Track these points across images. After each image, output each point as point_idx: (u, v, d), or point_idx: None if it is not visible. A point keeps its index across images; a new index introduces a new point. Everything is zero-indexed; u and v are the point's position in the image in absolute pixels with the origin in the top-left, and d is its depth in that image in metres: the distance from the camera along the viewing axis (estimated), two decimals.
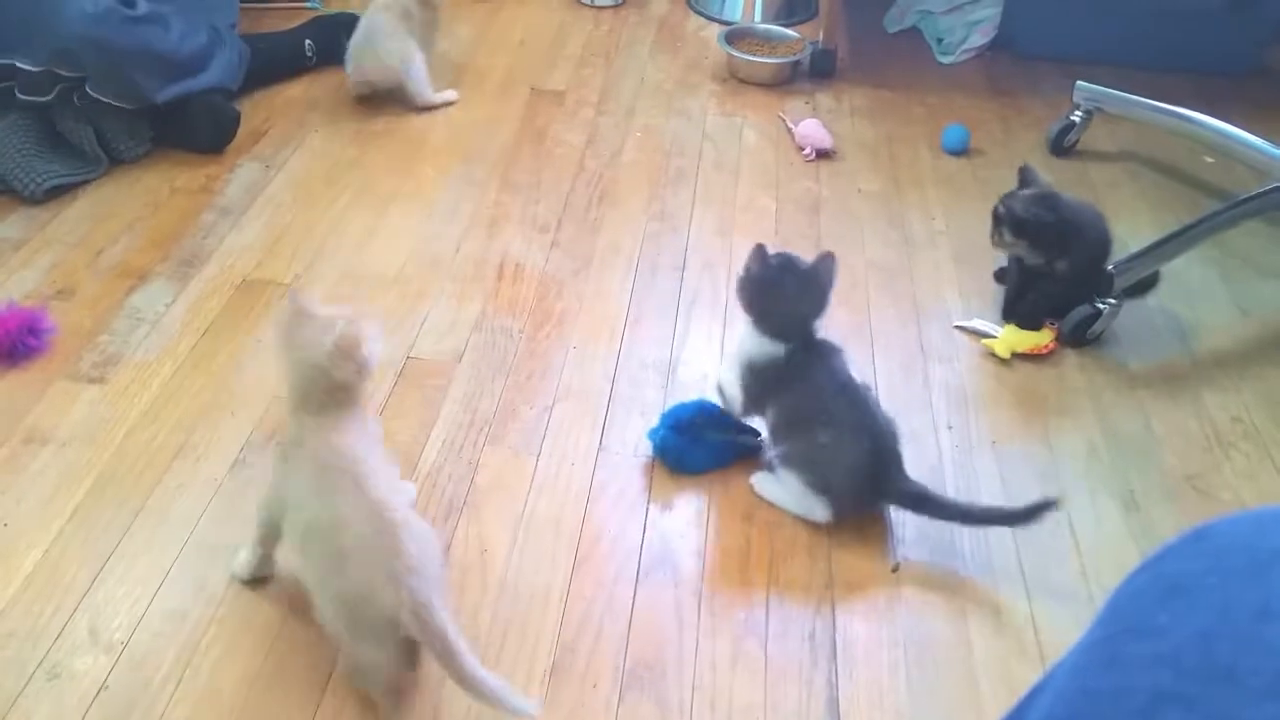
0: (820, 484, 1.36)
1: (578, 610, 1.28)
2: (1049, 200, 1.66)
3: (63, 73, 1.91)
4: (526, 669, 1.21)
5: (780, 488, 1.41)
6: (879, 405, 1.40)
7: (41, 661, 1.18)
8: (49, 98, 1.93)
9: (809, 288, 1.39)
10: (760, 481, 1.44)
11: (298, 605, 1.26)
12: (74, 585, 1.27)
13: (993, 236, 1.70)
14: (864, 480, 1.34)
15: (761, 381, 1.39)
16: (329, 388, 1.13)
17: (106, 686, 1.17)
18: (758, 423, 1.46)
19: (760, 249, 1.39)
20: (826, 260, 1.39)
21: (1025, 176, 1.72)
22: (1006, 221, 1.66)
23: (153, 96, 1.97)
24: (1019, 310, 1.73)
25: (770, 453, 1.42)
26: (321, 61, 2.36)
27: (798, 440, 1.37)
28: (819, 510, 1.37)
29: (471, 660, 1.05)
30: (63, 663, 1.19)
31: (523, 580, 1.31)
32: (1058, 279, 1.68)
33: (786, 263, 1.40)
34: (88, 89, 1.93)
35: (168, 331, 1.65)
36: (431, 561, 1.09)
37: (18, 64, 1.90)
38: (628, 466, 1.47)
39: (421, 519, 1.14)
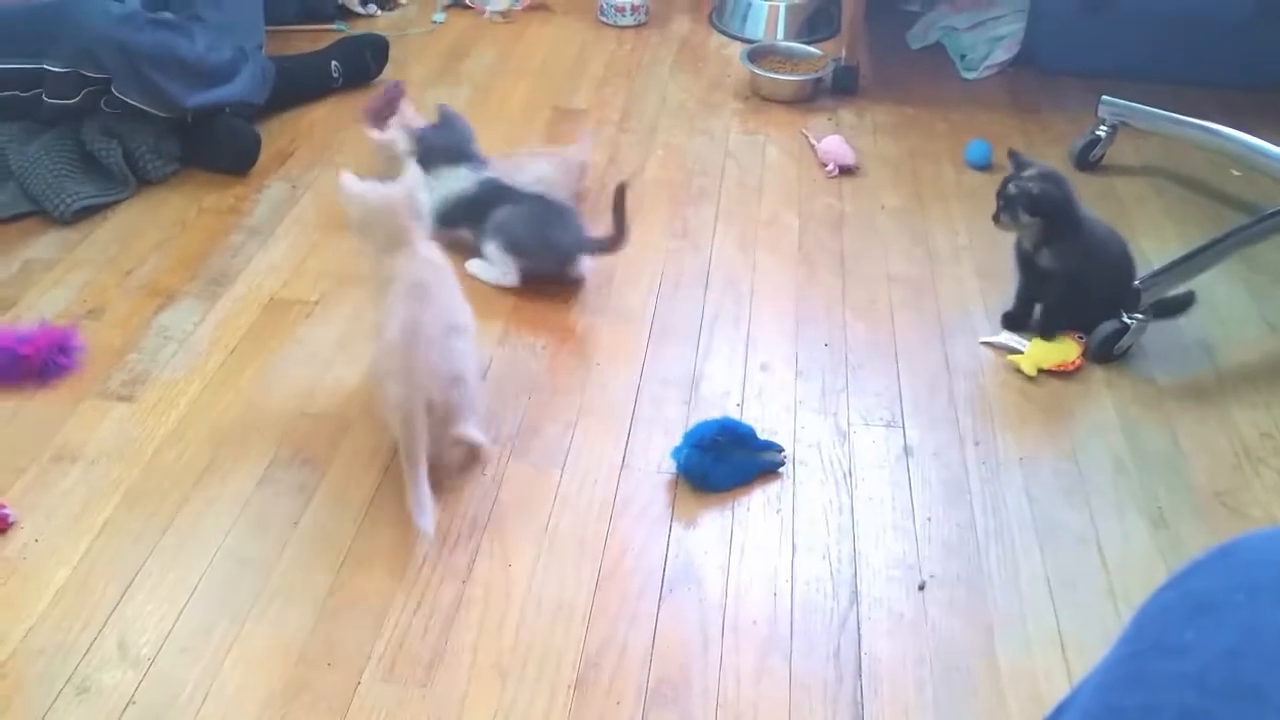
0: (510, 245, 1.78)
1: (601, 626, 1.28)
2: (1056, 176, 1.67)
3: (88, 74, 1.95)
4: (550, 684, 1.21)
5: (483, 264, 1.82)
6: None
7: (71, 676, 1.20)
8: (75, 100, 1.97)
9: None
10: (471, 264, 1.82)
11: (322, 624, 1.27)
12: (103, 601, 1.28)
13: (1002, 219, 1.67)
14: (542, 234, 1.79)
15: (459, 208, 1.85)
16: (397, 229, 1.46)
17: (134, 702, 1.18)
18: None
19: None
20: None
21: (1019, 159, 1.71)
22: (1021, 200, 1.64)
23: (182, 101, 2.01)
24: (1021, 319, 1.74)
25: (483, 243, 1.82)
26: (347, 83, 2.39)
27: (497, 219, 1.81)
28: (511, 273, 1.79)
29: (418, 475, 1.35)
30: (92, 677, 1.20)
31: (546, 596, 1.31)
32: (1066, 279, 1.68)
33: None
34: (114, 90, 1.96)
35: (195, 350, 1.67)
36: (440, 378, 1.40)
37: (46, 66, 1.94)
38: (651, 483, 1.47)
39: (461, 339, 1.45)
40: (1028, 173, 1.66)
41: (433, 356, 1.40)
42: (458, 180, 1.87)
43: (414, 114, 2.03)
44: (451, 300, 1.49)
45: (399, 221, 1.47)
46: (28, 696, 1.17)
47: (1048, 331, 1.71)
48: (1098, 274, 1.69)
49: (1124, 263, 1.71)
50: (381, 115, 2.04)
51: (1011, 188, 1.65)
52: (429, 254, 1.49)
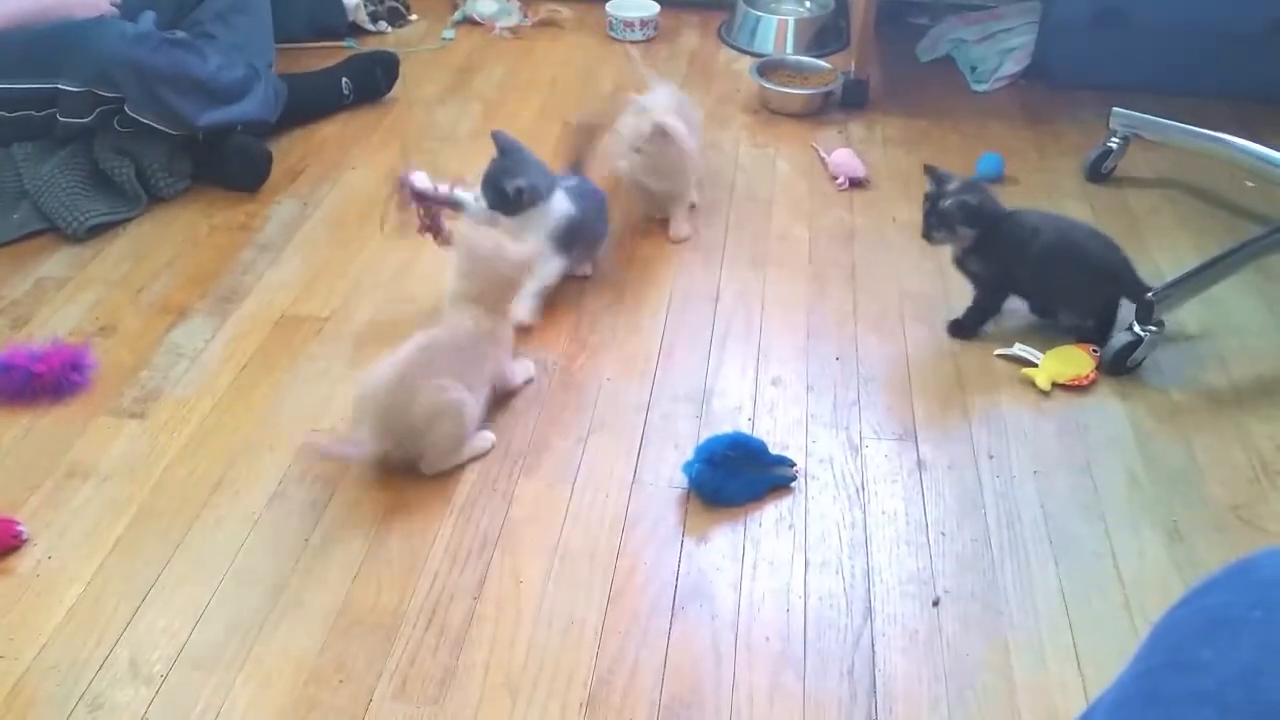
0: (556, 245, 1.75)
1: (613, 643, 1.27)
2: (980, 187, 1.73)
3: (101, 93, 1.96)
4: (562, 700, 1.20)
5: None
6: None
7: (83, 694, 1.20)
8: (88, 120, 1.98)
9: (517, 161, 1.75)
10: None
11: (333, 641, 1.26)
12: (115, 618, 1.28)
13: (936, 235, 1.72)
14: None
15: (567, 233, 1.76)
16: (506, 290, 1.55)
17: (146, 719, 1.17)
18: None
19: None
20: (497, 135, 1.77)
21: (938, 175, 1.74)
22: (959, 214, 1.68)
23: (194, 120, 2.02)
24: (969, 326, 1.77)
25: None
26: (358, 99, 2.40)
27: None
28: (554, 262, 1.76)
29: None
30: (104, 694, 1.20)
31: (558, 612, 1.31)
32: (993, 280, 1.74)
33: (494, 161, 1.76)
34: (127, 110, 1.98)
35: (207, 367, 1.67)
36: (399, 436, 1.45)
37: (60, 85, 1.96)
38: (662, 499, 1.47)
39: (426, 395, 1.43)
40: (952, 186, 1.70)
41: (394, 418, 1.43)
42: (561, 204, 1.76)
43: (444, 183, 1.78)
44: (461, 357, 1.50)
45: (504, 282, 1.53)
46: (41, 713, 1.17)
47: (965, 328, 1.76)
48: (1039, 267, 1.70)
49: (1075, 252, 1.71)
50: (436, 221, 1.78)
51: (947, 204, 1.68)
52: (500, 329, 1.55)
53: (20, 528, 1.37)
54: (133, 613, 1.29)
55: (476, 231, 1.49)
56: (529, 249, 1.56)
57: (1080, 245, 1.72)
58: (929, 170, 1.76)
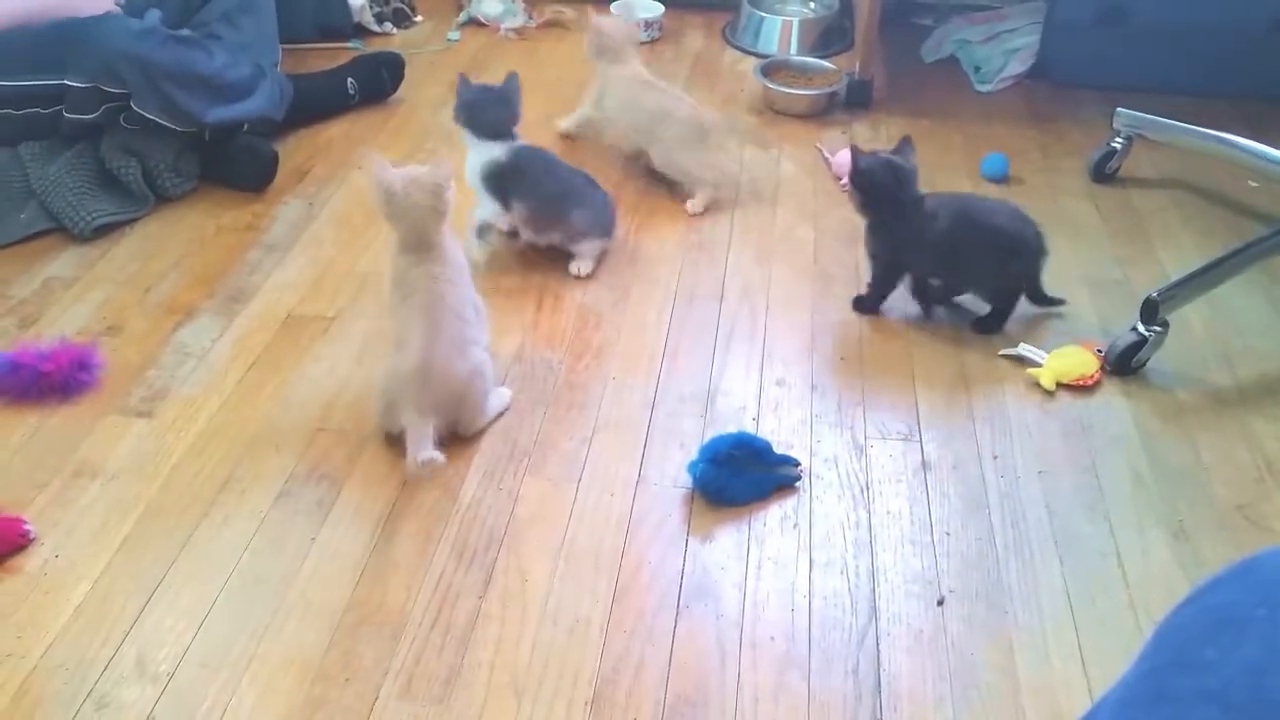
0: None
1: (618, 641, 1.28)
2: (893, 164, 1.74)
3: (107, 89, 1.97)
4: (567, 701, 1.21)
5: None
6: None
7: (90, 692, 1.20)
8: (95, 116, 1.99)
9: (502, 98, 1.85)
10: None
11: (339, 640, 1.27)
12: (122, 616, 1.29)
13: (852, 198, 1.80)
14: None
15: (497, 180, 1.83)
16: (424, 220, 1.48)
17: (153, 717, 1.18)
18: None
19: (462, 78, 1.87)
20: (510, 79, 1.86)
21: (855, 150, 1.77)
22: (861, 178, 1.74)
23: (200, 116, 2.03)
24: (868, 302, 1.83)
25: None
26: (364, 99, 2.40)
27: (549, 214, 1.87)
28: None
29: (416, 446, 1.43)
30: (111, 693, 1.20)
31: (563, 610, 1.31)
32: (881, 263, 1.80)
33: (482, 86, 1.87)
34: (133, 106, 1.99)
35: (214, 366, 1.68)
36: (450, 403, 1.49)
37: (67, 81, 1.97)
38: (667, 498, 1.47)
39: (463, 359, 1.49)
40: (895, 158, 1.75)
41: (445, 387, 1.47)
42: (494, 150, 1.84)
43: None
44: (464, 309, 1.52)
45: (426, 210, 1.48)
46: (48, 711, 1.18)
47: (865, 304, 1.82)
48: (940, 251, 1.73)
49: (975, 231, 1.72)
50: None
51: (863, 164, 1.74)
52: (453, 255, 1.52)
53: (28, 527, 1.38)
54: (140, 611, 1.30)
55: (385, 169, 1.47)
56: (437, 169, 1.48)
57: (980, 223, 1.73)
58: (852, 148, 1.78)
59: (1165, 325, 1.66)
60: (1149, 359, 1.69)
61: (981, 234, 1.72)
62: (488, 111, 1.84)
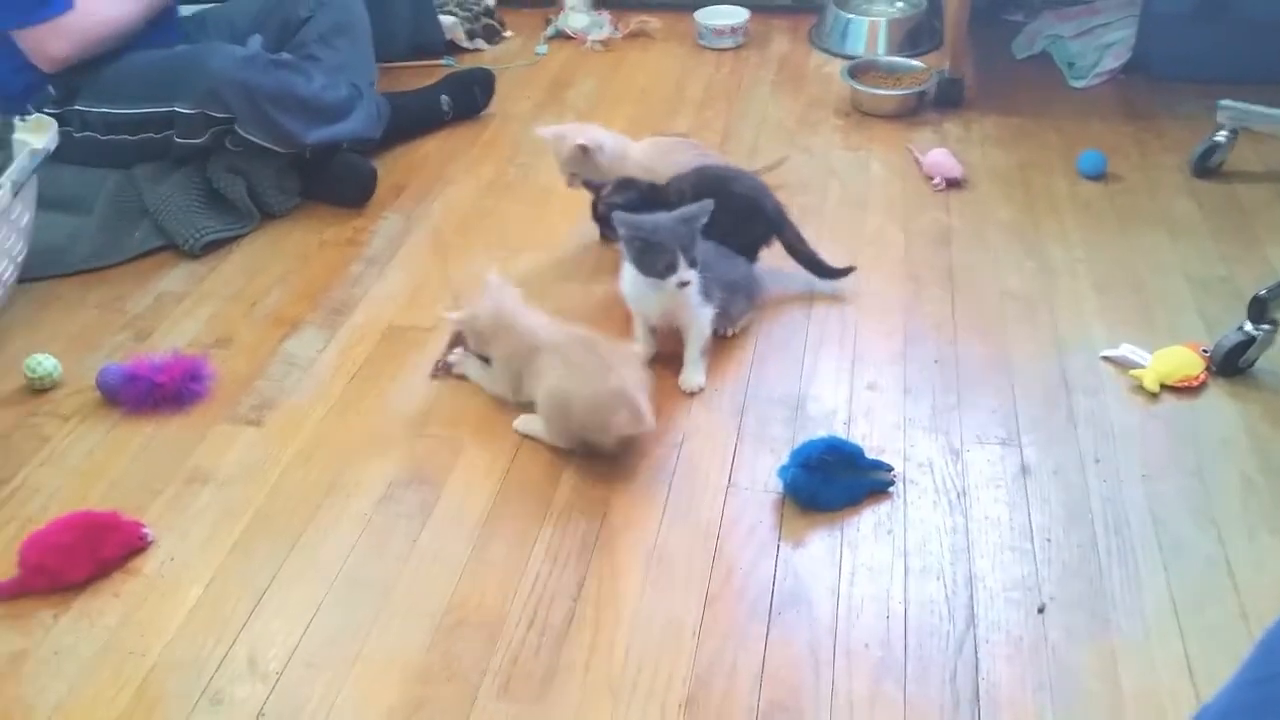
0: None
1: (710, 646, 1.28)
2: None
3: (214, 114, 2.06)
4: (661, 703, 1.22)
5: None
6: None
7: (205, 689, 1.25)
8: (203, 140, 2.08)
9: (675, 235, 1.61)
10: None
11: (439, 640, 1.30)
12: (233, 616, 1.34)
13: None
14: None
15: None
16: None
17: (263, 714, 1.22)
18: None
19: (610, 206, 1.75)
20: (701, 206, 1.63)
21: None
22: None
23: (302, 138, 2.10)
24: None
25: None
26: (457, 116, 2.46)
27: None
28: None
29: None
30: (225, 690, 1.25)
31: (656, 615, 1.32)
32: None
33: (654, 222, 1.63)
34: (238, 129, 2.07)
35: (319, 376, 1.74)
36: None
37: (176, 108, 2.07)
38: (757, 503, 1.47)
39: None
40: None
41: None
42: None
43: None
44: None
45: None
46: (168, 707, 1.23)
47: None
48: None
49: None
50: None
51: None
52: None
53: (146, 530, 1.44)
54: (250, 612, 1.35)
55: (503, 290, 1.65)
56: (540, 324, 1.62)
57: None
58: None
59: (1274, 324, 1.61)
60: (1257, 359, 1.63)
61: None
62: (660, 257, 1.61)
